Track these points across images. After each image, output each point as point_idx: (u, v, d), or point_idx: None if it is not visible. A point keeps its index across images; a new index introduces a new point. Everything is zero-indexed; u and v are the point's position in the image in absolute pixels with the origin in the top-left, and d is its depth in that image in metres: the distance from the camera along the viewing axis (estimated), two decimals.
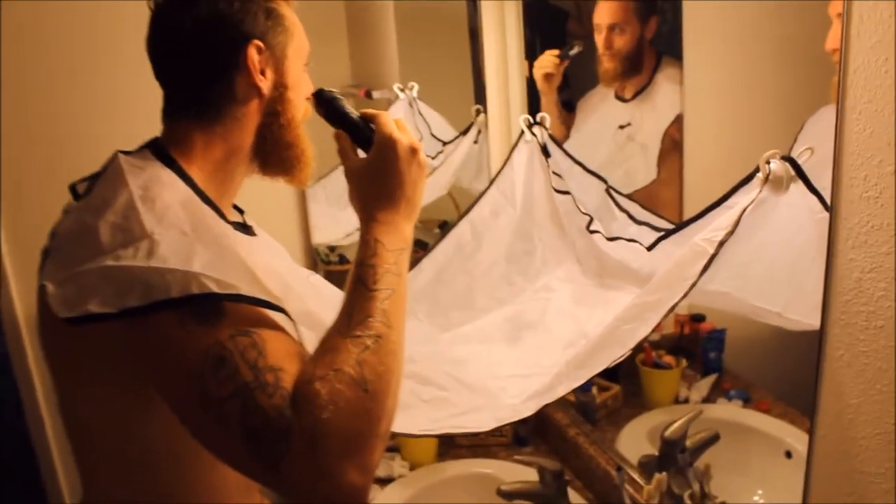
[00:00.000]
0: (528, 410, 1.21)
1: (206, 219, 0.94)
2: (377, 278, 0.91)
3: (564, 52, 1.97)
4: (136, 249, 0.85)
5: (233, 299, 0.85)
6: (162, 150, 1.01)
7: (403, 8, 2.40)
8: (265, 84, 1.02)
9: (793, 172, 1.08)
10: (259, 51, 1.00)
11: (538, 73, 2.01)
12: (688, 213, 1.76)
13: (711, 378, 1.75)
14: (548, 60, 1.99)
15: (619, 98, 1.91)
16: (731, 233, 1.07)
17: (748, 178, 1.13)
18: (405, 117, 2.38)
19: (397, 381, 0.88)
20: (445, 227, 2.42)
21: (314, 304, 1.08)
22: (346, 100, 1.06)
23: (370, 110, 1.02)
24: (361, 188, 1.01)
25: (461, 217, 1.79)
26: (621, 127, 1.91)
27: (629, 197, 1.78)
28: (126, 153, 1.00)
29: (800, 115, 1.40)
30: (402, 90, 2.40)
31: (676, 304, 1.10)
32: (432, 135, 2.38)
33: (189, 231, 0.89)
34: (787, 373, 1.58)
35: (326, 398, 0.80)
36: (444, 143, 2.32)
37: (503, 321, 1.63)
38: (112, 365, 0.92)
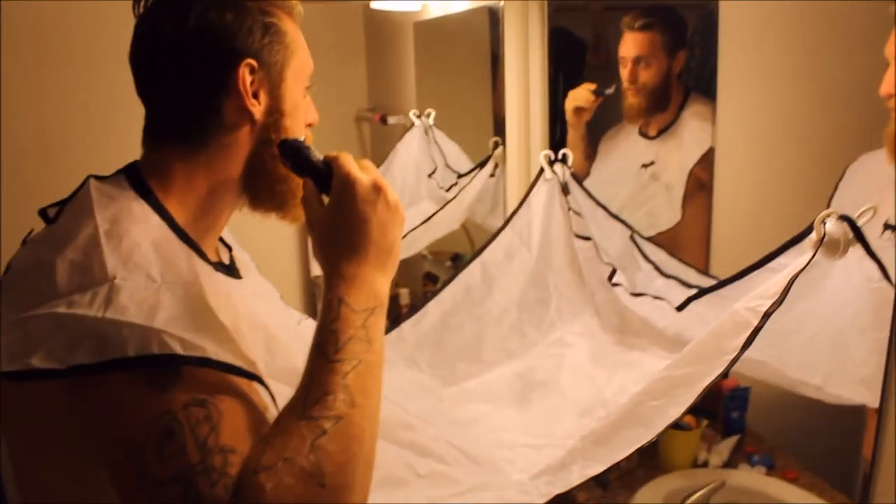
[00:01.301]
0: (539, 498, 1.07)
1: (180, 262, 0.81)
2: (339, 346, 0.77)
3: (600, 89, 1.88)
4: (93, 295, 0.73)
5: (198, 363, 0.73)
6: (138, 178, 0.89)
7: (423, 32, 2.31)
8: (258, 108, 0.89)
9: (851, 235, 0.95)
10: (252, 71, 0.87)
11: (570, 106, 1.92)
12: (715, 257, 1.68)
13: (733, 440, 1.63)
14: (583, 94, 1.89)
15: (644, 135, 1.82)
16: (779, 302, 0.94)
17: (798, 238, 1.00)
18: (420, 145, 2.29)
19: (365, 471, 0.76)
20: (457, 263, 2.31)
21: (301, 358, 0.95)
22: (312, 148, 0.91)
23: (332, 152, 0.88)
24: (322, 239, 0.86)
25: (473, 258, 1.67)
26: (644, 166, 1.82)
27: (654, 241, 1.66)
28: (99, 179, 0.88)
29: (839, 160, 1.31)
30: (418, 117, 2.30)
31: (713, 383, 0.96)
32: (447, 165, 2.27)
33: (157, 276, 0.77)
34: (817, 438, 1.48)
35: (272, 494, 0.68)
36: (460, 176, 2.21)
37: (513, 378, 1.50)
38: (60, 427, 0.79)
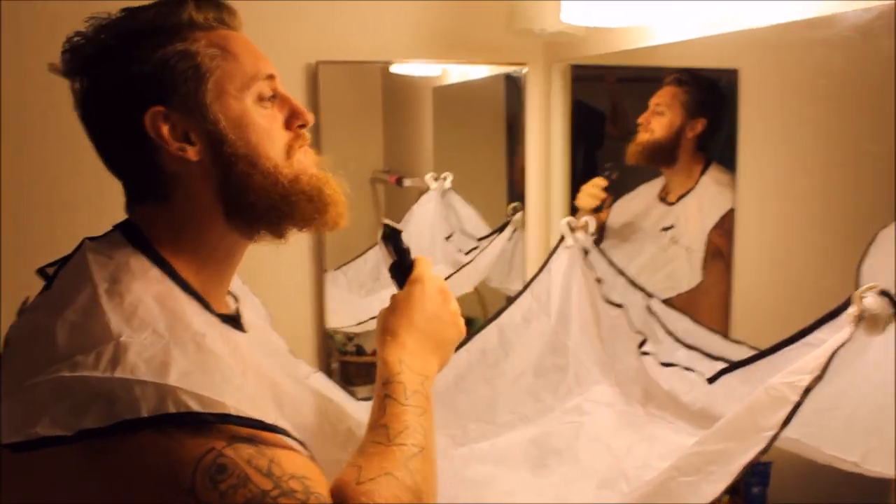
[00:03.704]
0: None
1: (186, 315, 0.78)
2: (408, 395, 0.84)
3: (608, 177, 1.94)
4: (98, 355, 0.69)
5: (218, 420, 0.69)
6: (135, 232, 0.85)
7: (442, 96, 2.33)
8: (192, 149, 0.83)
9: (892, 310, 0.92)
10: (165, 117, 0.81)
11: (587, 203, 1.95)
12: (736, 323, 1.67)
13: None
14: (596, 192, 1.93)
15: (663, 201, 1.83)
16: (819, 378, 0.91)
17: (835, 313, 0.98)
18: (436, 208, 2.28)
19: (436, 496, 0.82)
20: (469, 328, 2.28)
21: (310, 414, 0.94)
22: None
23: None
24: (389, 317, 0.94)
25: (489, 320, 1.64)
26: (664, 229, 1.82)
27: (674, 305, 1.65)
28: (94, 240, 0.85)
29: (866, 228, 1.28)
30: (435, 180, 2.29)
31: (754, 461, 0.92)
32: (463, 229, 2.26)
33: (164, 331, 0.73)
34: None
35: (382, 501, 0.72)
36: (479, 239, 2.20)
37: (527, 442, 1.46)
38: (73, 495, 0.72)
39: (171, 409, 0.67)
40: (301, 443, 0.75)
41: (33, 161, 1.62)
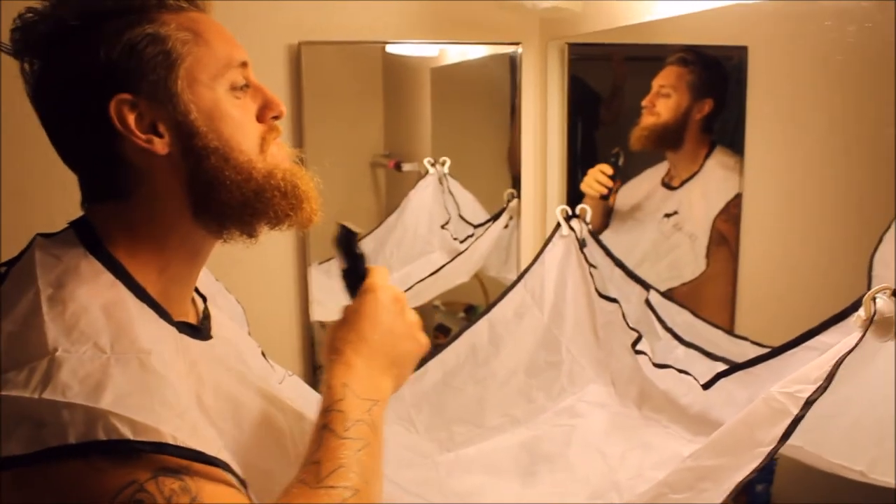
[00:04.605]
0: None
1: (134, 327, 0.71)
2: (348, 426, 0.75)
3: (615, 163, 1.85)
4: (30, 372, 0.64)
5: (152, 449, 0.63)
6: (89, 232, 0.79)
7: (440, 77, 2.24)
8: (160, 142, 0.76)
9: None
10: (132, 106, 0.75)
11: (594, 192, 1.86)
12: (741, 314, 1.61)
13: None
14: (604, 180, 1.84)
15: (667, 186, 1.76)
16: (823, 388, 0.82)
17: (843, 315, 0.89)
18: (433, 194, 2.20)
19: None
20: (470, 315, 2.21)
21: (272, 433, 0.87)
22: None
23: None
24: (336, 333, 0.85)
25: (481, 315, 1.56)
26: (667, 215, 1.77)
27: (677, 297, 1.58)
28: (47, 236, 0.79)
29: (880, 217, 1.22)
30: (432, 164, 2.21)
31: (746, 479, 0.84)
32: (461, 216, 2.19)
33: (106, 345, 0.67)
34: None
35: None
36: (476, 227, 2.13)
37: (517, 448, 1.38)
38: None
39: (101, 436, 0.62)
40: (241, 479, 0.70)
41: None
